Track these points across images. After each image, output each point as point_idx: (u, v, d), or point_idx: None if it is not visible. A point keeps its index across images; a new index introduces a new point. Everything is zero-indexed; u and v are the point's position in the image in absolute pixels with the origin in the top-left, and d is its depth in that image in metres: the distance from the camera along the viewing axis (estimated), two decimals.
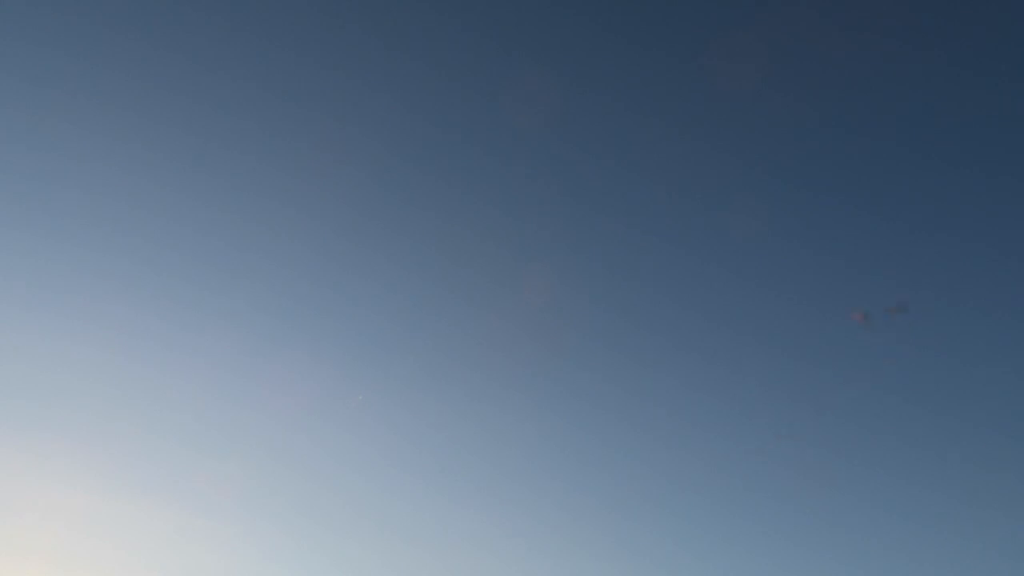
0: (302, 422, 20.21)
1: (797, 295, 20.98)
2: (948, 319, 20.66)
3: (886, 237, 20.71)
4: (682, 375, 21.33)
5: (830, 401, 20.83)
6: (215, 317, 20.23)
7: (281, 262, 20.38)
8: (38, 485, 18.20)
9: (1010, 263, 20.00)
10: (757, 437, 20.78)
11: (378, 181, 20.73)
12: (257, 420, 20.17)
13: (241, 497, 19.41)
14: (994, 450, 20.10)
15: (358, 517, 19.91)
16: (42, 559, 17.47)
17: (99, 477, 18.70)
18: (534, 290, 20.51)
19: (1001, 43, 19.02)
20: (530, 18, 20.21)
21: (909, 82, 19.72)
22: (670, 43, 20.18)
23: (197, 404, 19.95)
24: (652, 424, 20.91)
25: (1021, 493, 19.05)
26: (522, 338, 20.84)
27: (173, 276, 20.11)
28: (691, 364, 21.52)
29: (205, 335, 20.21)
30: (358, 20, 19.93)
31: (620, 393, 21.12)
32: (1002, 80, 19.15)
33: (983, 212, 20.23)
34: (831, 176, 20.63)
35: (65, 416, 19.02)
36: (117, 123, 19.40)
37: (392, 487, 20.24)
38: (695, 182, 20.87)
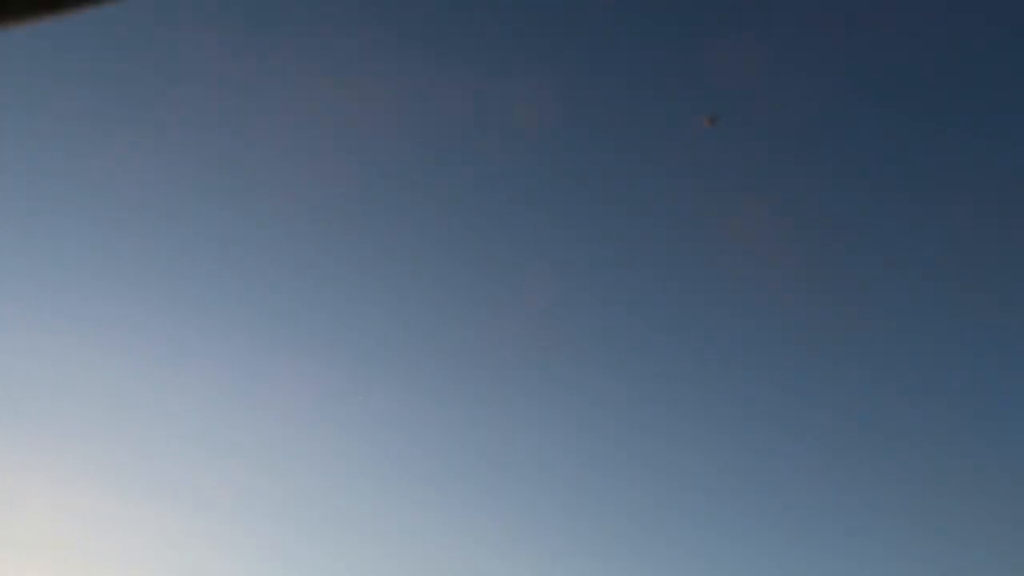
0: (302, 422, 20.23)
1: (806, 294, 20.97)
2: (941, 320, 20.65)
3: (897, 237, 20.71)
4: (683, 375, 21.31)
5: (832, 400, 20.80)
6: (217, 318, 20.24)
7: (282, 263, 20.38)
8: (40, 485, 18.22)
9: None
10: (760, 436, 20.76)
11: (379, 181, 20.74)
12: (257, 420, 20.19)
13: (241, 497, 19.44)
14: (993, 452, 20.07)
15: (358, 517, 19.94)
16: (44, 557, 17.50)
17: (101, 477, 18.73)
18: (535, 289, 20.53)
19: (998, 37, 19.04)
20: (529, 18, 20.23)
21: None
22: (671, 41, 20.19)
23: (198, 404, 19.96)
24: (652, 424, 20.90)
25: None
26: (523, 338, 20.83)
27: (176, 277, 20.12)
28: (692, 363, 21.51)
29: (207, 336, 20.23)
30: (358, 18, 19.95)
31: (620, 392, 21.13)
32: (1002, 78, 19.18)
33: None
34: (834, 174, 20.63)
35: (67, 417, 19.03)
36: (116, 123, 19.40)
37: (392, 487, 20.27)
38: (698, 180, 20.87)
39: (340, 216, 20.54)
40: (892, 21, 18.86)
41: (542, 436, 20.82)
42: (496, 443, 20.68)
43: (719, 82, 19.47)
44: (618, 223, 20.98)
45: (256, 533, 19.19)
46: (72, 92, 19.10)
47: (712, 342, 21.14)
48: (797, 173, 20.50)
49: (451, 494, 20.11)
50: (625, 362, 21.26)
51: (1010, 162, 19.43)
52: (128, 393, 19.57)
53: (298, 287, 20.58)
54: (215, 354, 20.04)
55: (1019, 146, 19.34)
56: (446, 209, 20.89)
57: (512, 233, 20.93)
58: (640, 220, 21.02)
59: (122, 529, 18.29)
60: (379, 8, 19.77)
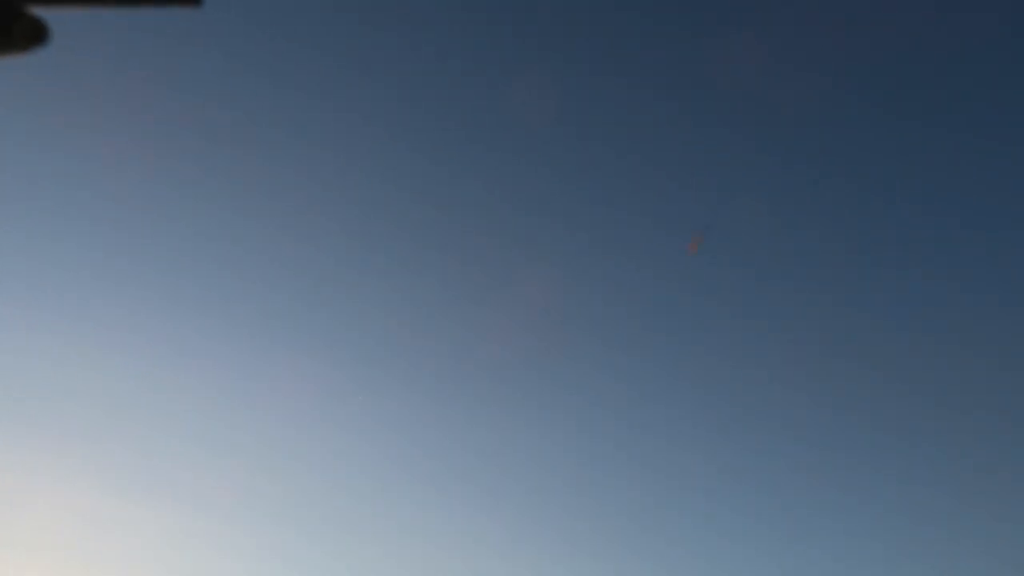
0: (302, 422, 20.21)
1: (806, 288, 20.94)
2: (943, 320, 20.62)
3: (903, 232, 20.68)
4: (683, 375, 21.28)
5: (831, 400, 20.77)
6: (217, 318, 20.23)
7: (281, 263, 20.38)
8: (40, 485, 18.22)
9: None
10: (760, 436, 20.74)
11: (379, 181, 20.72)
12: (257, 420, 20.18)
13: (241, 497, 19.43)
14: (995, 451, 20.06)
15: (358, 517, 19.93)
16: (45, 556, 17.49)
17: (101, 477, 18.72)
18: (535, 290, 20.51)
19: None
20: (529, 17, 20.21)
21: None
22: (673, 39, 20.17)
23: (198, 404, 19.95)
24: (651, 424, 20.88)
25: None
26: (523, 338, 20.81)
27: (176, 277, 20.11)
28: (693, 364, 21.48)
29: (207, 336, 20.22)
30: (358, 17, 19.94)
31: (620, 392, 21.11)
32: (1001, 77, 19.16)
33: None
34: (835, 170, 20.60)
35: (67, 417, 19.02)
36: (117, 124, 19.41)
37: (392, 487, 20.26)
38: (699, 178, 20.85)
39: (340, 216, 20.53)
40: (892, 21, 18.89)
41: (541, 436, 20.80)
42: (496, 443, 20.67)
43: (717, 81, 19.46)
44: (616, 223, 20.96)
45: (256, 533, 19.18)
46: (73, 93, 19.10)
47: (711, 342, 21.11)
48: (795, 173, 20.47)
49: (450, 494, 20.10)
50: (624, 362, 21.24)
51: (1010, 162, 19.44)
52: (128, 393, 19.57)
53: (298, 287, 20.57)
54: (215, 354, 20.03)
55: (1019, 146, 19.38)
56: (446, 210, 20.86)
57: (512, 234, 20.91)
58: (638, 220, 21.00)
59: (122, 529, 18.28)
60: (380, 7, 19.77)
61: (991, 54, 19.43)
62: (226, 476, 19.27)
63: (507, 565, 19.42)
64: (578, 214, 21.08)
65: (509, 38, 20.20)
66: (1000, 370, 20.01)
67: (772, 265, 20.95)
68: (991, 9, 19.09)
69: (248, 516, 19.28)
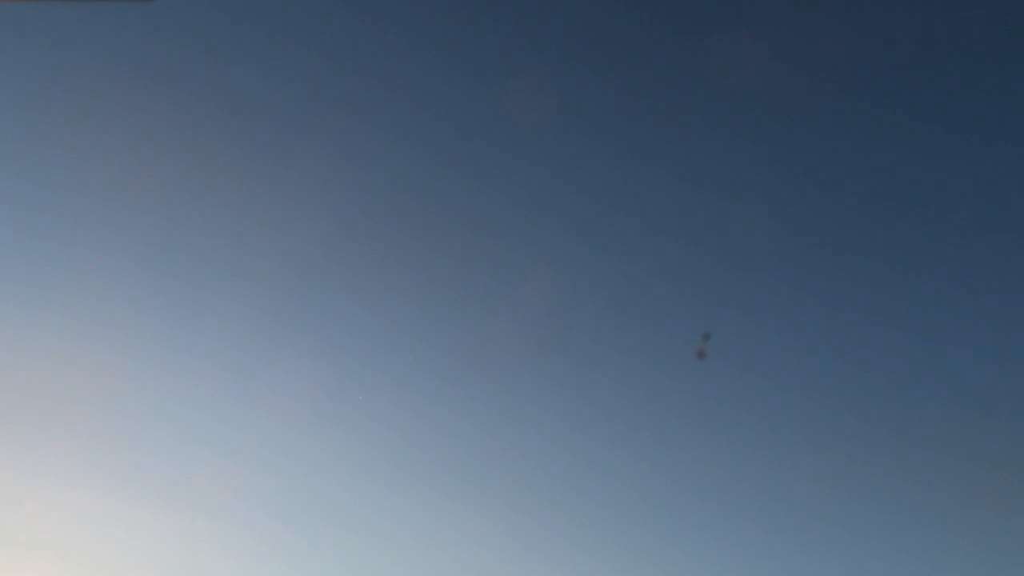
0: (302, 422, 20.20)
1: (804, 290, 20.93)
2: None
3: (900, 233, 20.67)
4: (683, 375, 21.28)
5: (833, 402, 20.77)
6: (216, 317, 20.22)
7: (281, 262, 20.36)
8: (40, 485, 18.22)
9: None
10: (759, 437, 20.73)
11: (378, 180, 20.71)
12: (257, 420, 20.17)
13: (241, 497, 19.42)
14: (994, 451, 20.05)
15: (358, 517, 19.92)
16: (44, 557, 17.49)
17: (101, 477, 18.71)
18: (534, 290, 20.50)
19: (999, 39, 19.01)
20: (529, 16, 20.19)
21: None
22: (674, 40, 20.15)
23: (198, 404, 19.94)
24: (651, 424, 20.87)
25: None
26: (522, 338, 20.80)
27: (174, 277, 20.10)
28: (693, 363, 21.48)
29: (206, 335, 20.20)
30: (357, 18, 19.91)
31: (619, 393, 21.09)
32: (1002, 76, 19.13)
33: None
34: (836, 172, 20.59)
35: (67, 416, 19.01)
36: (118, 121, 19.39)
37: (392, 487, 20.25)
38: (699, 179, 20.83)
39: (338, 216, 20.52)
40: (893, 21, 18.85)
41: (543, 436, 20.79)
42: (496, 443, 20.66)
43: (720, 82, 19.43)
44: (613, 222, 20.95)
45: (256, 533, 19.18)
46: (75, 92, 19.07)
47: (711, 341, 21.09)
48: (797, 172, 20.45)
49: (450, 493, 20.09)
50: (625, 362, 21.23)
51: (1010, 162, 19.42)
52: (127, 393, 19.55)
53: (297, 287, 20.55)
54: (215, 354, 20.02)
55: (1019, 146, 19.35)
56: (445, 209, 20.85)
57: (512, 234, 20.90)
58: (637, 219, 20.99)
59: (122, 529, 18.28)
60: (379, 7, 19.74)
61: (992, 54, 19.41)
62: (226, 476, 19.27)
63: (507, 565, 19.42)
64: (578, 214, 21.06)
65: (509, 38, 20.17)
66: (1001, 372, 19.99)
67: (773, 265, 20.93)
68: (991, 9, 19.06)
69: (248, 516, 19.27)
